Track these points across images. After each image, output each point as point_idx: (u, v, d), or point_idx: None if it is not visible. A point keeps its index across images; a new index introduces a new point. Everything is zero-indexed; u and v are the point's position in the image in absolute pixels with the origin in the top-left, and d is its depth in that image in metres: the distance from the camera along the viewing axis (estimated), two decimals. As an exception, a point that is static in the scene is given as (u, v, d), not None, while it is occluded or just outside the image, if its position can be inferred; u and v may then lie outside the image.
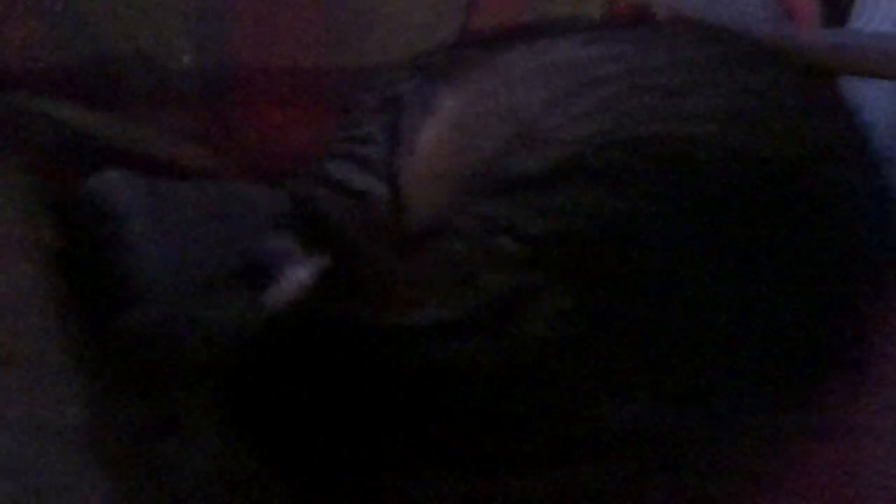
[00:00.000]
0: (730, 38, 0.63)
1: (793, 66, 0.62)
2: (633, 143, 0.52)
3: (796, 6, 0.88)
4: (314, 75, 0.81)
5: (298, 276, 0.47)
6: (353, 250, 0.44)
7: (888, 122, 1.02)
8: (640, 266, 0.43)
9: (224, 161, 0.77)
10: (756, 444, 0.44)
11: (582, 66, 0.60)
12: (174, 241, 0.67)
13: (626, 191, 0.47)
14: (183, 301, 0.59)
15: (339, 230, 0.44)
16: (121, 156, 0.70)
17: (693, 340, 0.42)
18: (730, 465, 0.43)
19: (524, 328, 0.40)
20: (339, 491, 0.40)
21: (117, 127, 0.71)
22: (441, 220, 0.48)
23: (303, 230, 0.61)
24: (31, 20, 0.71)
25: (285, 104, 0.80)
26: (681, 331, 0.42)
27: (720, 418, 0.42)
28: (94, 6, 0.73)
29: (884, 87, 1.01)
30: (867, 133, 0.59)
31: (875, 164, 0.56)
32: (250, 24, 0.78)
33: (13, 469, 0.29)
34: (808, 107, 0.57)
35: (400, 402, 0.40)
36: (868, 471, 0.45)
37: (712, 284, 0.44)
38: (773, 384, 0.44)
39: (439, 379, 0.39)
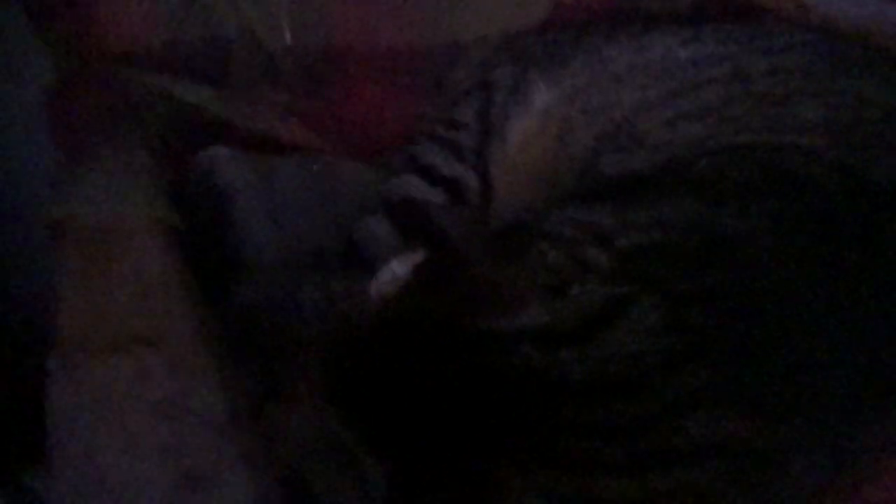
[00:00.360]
0: (835, 40, 0.61)
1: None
2: (732, 152, 0.53)
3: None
4: (410, 54, 0.83)
5: (397, 270, 0.51)
6: (450, 250, 0.46)
7: None
8: (732, 282, 0.44)
9: (324, 138, 0.80)
10: (835, 457, 0.46)
11: (682, 68, 0.60)
12: (280, 218, 0.71)
13: (722, 203, 0.48)
14: (289, 279, 0.63)
15: (438, 228, 0.46)
16: (228, 132, 0.74)
17: (782, 359, 0.43)
18: (807, 477, 0.44)
19: (613, 341, 0.42)
20: (425, 475, 0.43)
21: (226, 103, 0.75)
22: (534, 220, 0.50)
23: (401, 219, 0.65)
24: (147, 1, 0.76)
25: (383, 82, 0.82)
26: (770, 349, 0.43)
27: (803, 435, 0.44)
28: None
29: None
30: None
31: None
32: (350, 5, 0.80)
33: (162, 453, 0.34)
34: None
35: (490, 402, 0.43)
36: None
37: (806, 305, 0.45)
38: (859, 403, 0.46)
39: (530, 384, 0.42)
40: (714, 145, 0.54)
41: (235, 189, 0.68)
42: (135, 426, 0.35)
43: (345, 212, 0.75)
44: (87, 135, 0.66)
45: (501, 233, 0.51)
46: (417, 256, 0.49)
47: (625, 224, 0.47)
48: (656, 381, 0.42)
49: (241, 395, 0.51)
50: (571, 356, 0.42)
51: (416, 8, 0.83)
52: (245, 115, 0.76)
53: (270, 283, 0.62)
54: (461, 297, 0.46)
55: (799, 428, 0.44)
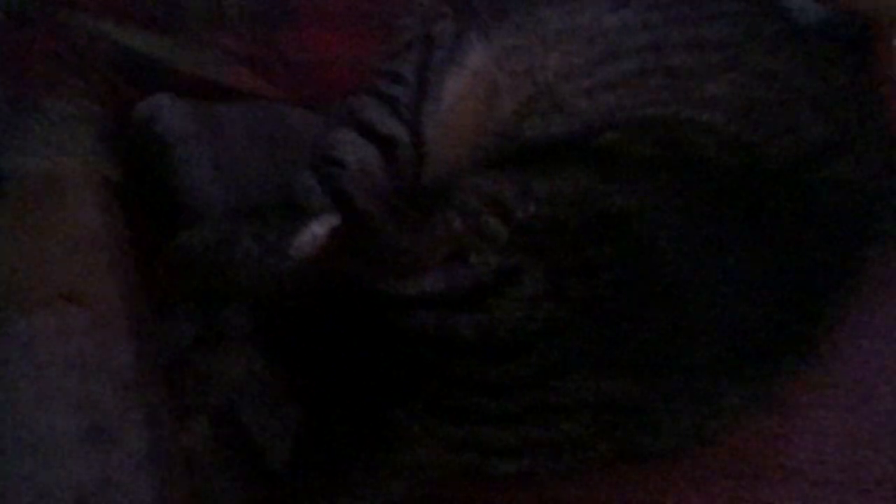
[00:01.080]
0: (765, 10, 0.62)
1: (827, 45, 0.61)
2: (636, 125, 0.55)
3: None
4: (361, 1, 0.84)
5: (317, 230, 0.54)
6: (358, 217, 0.49)
7: None
8: (613, 256, 0.48)
9: (272, 85, 0.82)
10: (703, 411, 0.51)
11: (606, 35, 0.62)
12: (223, 166, 0.73)
13: (615, 178, 0.51)
14: (227, 228, 0.67)
15: (346, 196, 0.49)
16: (175, 79, 0.76)
17: (656, 327, 0.48)
18: (674, 431, 0.49)
19: (501, 308, 0.46)
20: (335, 419, 0.48)
21: (174, 49, 0.76)
22: (447, 185, 0.53)
23: (327, 182, 0.67)
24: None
25: (332, 27, 0.83)
26: (646, 318, 0.48)
27: (673, 394, 0.49)
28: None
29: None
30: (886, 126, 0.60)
31: (888, 163, 0.57)
32: (300, -51, 0.80)
33: (76, 407, 0.38)
34: (829, 96, 0.58)
35: (392, 358, 0.47)
36: (799, 440, 0.52)
37: (682, 277, 0.49)
38: (727, 365, 0.50)
39: (426, 343, 0.47)
40: (622, 117, 0.56)
41: (177, 137, 0.70)
42: (51, 380, 0.39)
43: (290, 160, 0.77)
44: (31, 81, 0.67)
45: (414, 198, 0.54)
46: (335, 219, 0.52)
47: (525, 195, 0.50)
48: (537, 345, 0.46)
49: (170, 345, 0.56)
50: (464, 320, 0.46)
51: (367, -48, 0.83)
52: (192, 61, 0.77)
53: (209, 232, 0.65)
54: (369, 261, 0.49)
55: (669, 388, 0.49)
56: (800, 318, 0.52)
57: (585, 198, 0.50)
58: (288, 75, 0.83)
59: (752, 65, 0.56)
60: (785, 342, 0.52)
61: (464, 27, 0.72)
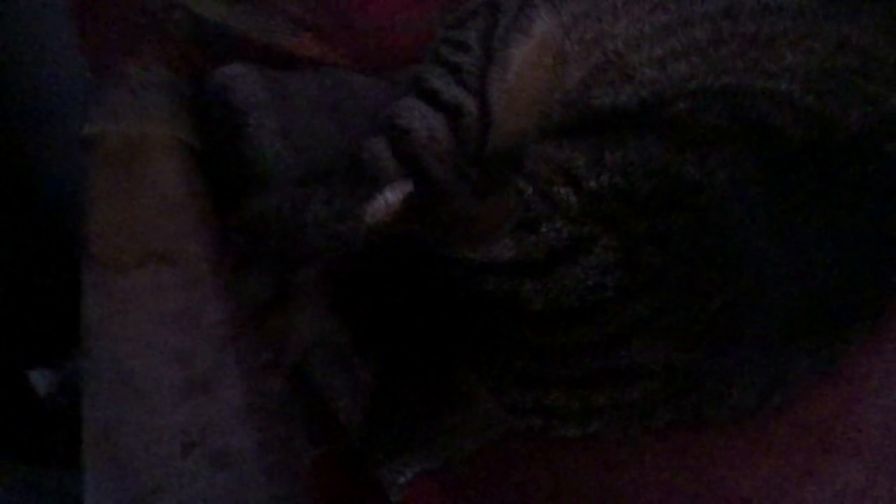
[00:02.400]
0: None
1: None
2: (709, 95, 0.55)
3: None
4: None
5: (390, 197, 0.55)
6: (432, 185, 0.51)
7: None
8: (683, 226, 0.49)
9: (338, 51, 0.83)
10: (771, 384, 0.52)
11: (677, 1, 0.61)
12: (291, 132, 0.75)
13: (686, 148, 0.51)
14: (297, 195, 0.69)
15: (420, 166, 0.51)
16: (244, 46, 0.78)
17: (726, 296, 0.48)
18: (745, 400, 0.50)
19: (572, 275, 0.47)
20: (406, 380, 0.50)
21: (243, 18, 0.78)
22: (519, 153, 0.54)
23: (395, 147, 0.69)
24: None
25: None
26: (715, 287, 0.48)
27: (742, 363, 0.49)
28: None
29: None
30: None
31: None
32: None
33: (175, 359, 0.40)
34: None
35: (462, 322, 0.49)
36: (867, 413, 0.52)
37: (752, 248, 0.49)
38: (796, 335, 0.50)
39: (497, 308, 0.48)
40: (695, 86, 0.56)
41: (248, 105, 0.72)
42: (150, 335, 0.42)
43: (356, 126, 0.79)
44: (111, 47, 0.70)
45: (486, 165, 0.55)
46: (408, 186, 0.53)
47: (597, 164, 0.51)
48: (606, 312, 0.47)
49: (246, 305, 0.58)
50: (533, 287, 0.48)
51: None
52: (260, 29, 0.79)
53: (281, 197, 0.67)
54: (441, 228, 0.51)
55: (737, 357, 0.49)
56: (870, 290, 0.52)
57: (658, 167, 0.50)
58: (353, 42, 0.84)
59: (829, 32, 0.55)
60: (855, 313, 0.52)
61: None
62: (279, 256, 0.66)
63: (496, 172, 0.53)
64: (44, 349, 0.70)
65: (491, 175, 0.53)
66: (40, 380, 0.68)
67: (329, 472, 0.53)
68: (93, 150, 0.60)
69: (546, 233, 0.49)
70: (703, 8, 0.59)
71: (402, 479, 0.52)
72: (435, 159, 0.51)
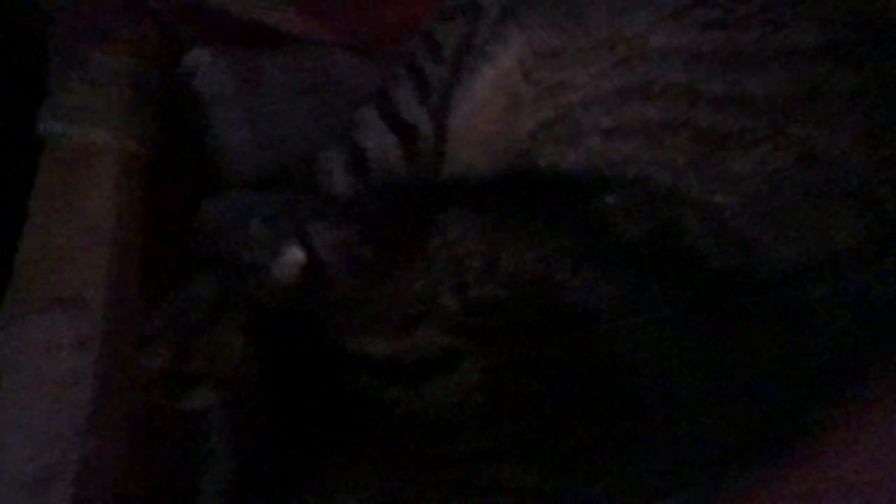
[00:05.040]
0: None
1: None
2: (644, 194, 0.50)
3: None
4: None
5: (299, 256, 0.54)
6: (323, 267, 0.49)
7: None
8: (568, 358, 0.46)
9: (324, 27, 0.79)
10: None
11: (649, 59, 0.54)
12: (261, 123, 0.74)
13: (598, 268, 0.47)
14: (247, 201, 0.69)
15: (309, 247, 0.49)
16: (225, 23, 0.75)
17: (602, 437, 0.46)
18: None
19: (435, 390, 0.46)
20: (270, 466, 0.51)
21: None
22: (416, 242, 0.51)
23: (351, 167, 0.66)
24: None
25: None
26: (590, 425, 0.46)
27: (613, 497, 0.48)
28: None
29: None
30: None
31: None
32: None
33: (28, 447, 0.43)
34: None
35: (334, 414, 0.49)
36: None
37: (647, 387, 0.46)
38: (674, 478, 0.48)
39: (362, 409, 0.48)
40: (633, 175, 0.50)
41: (213, 97, 0.70)
42: (19, 410, 0.45)
43: (337, 110, 0.76)
44: (85, 31, 0.69)
45: (391, 234, 0.53)
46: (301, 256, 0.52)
47: (490, 269, 0.48)
48: (466, 432, 0.47)
49: (181, 315, 0.61)
50: (399, 394, 0.47)
51: None
52: (241, 4, 0.75)
53: (227, 204, 0.67)
54: (329, 306, 0.50)
55: (608, 491, 0.48)
56: (768, 434, 0.49)
57: (552, 288, 0.46)
58: (342, 17, 0.80)
59: (793, 138, 0.47)
60: (745, 456, 0.49)
61: (513, 3, 0.65)
62: (225, 267, 0.67)
63: (396, 247, 0.51)
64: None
65: (387, 253, 0.51)
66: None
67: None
68: (43, 150, 0.62)
69: (420, 338, 0.48)
70: (667, 77, 0.52)
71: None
72: (324, 237, 0.50)
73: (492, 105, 0.61)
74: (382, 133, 0.66)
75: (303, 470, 0.51)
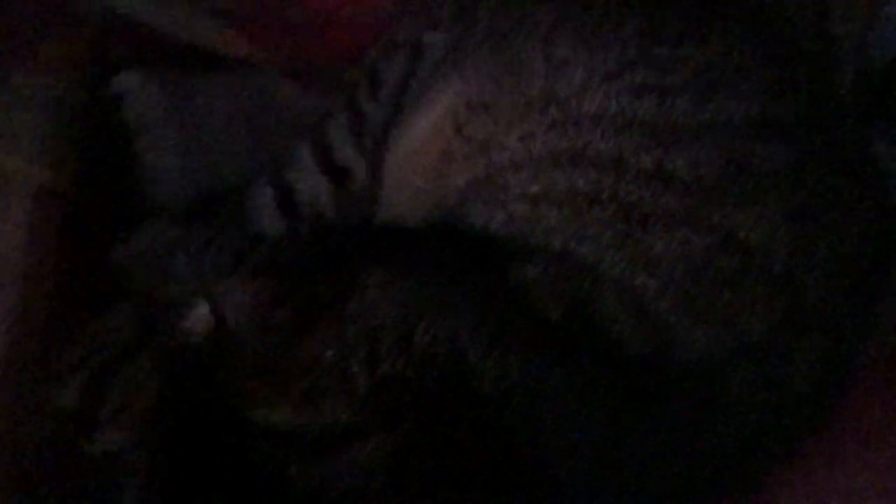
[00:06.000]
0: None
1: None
2: (566, 268, 0.48)
3: None
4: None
5: (205, 315, 0.52)
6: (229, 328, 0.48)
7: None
8: (474, 442, 0.45)
9: (269, 49, 0.76)
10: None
11: (582, 122, 0.52)
12: (193, 151, 0.71)
13: (510, 347, 0.46)
14: (172, 235, 0.66)
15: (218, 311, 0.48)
16: (161, 44, 0.72)
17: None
18: None
19: (337, 468, 0.45)
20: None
21: (160, 11, 0.72)
22: (333, 302, 0.50)
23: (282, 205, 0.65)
24: None
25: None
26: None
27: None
28: None
29: None
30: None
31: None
32: None
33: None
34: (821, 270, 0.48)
35: (233, 479, 0.48)
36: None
37: (556, 473, 0.45)
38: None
39: (265, 476, 0.47)
40: (558, 247, 0.49)
41: (143, 123, 0.68)
42: None
43: (275, 138, 0.74)
44: (8, 50, 0.66)
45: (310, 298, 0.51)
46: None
47: (401, 343, 0.46)
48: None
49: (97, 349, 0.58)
50: (300, 468, 0.46)
51: None
52: (179, 24, 0.72)
53: (151, 238, 0.65)
54: (232, 371, 0.48)
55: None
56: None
57: (463, 370, 0.45)
58: (287, 39, 0.77)
59: (717, 221, 0.46)
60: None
61: (455, 46, 0.63)
62: (144, 303, 0.65)
63: (313, 307, 0.49)
64: None
65: (306, 315, 0.49)
66: None
67: None
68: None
69: (326, 412, 0.46)
70: (597, 146, 0.50)
71: None
72: (235, 298, 0.48)
73: (425, 155, 0.59)
74: (314, 173, 0.64)
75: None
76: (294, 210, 0.65)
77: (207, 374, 0.49)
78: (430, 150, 0.58)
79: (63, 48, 0.67)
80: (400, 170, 0.61)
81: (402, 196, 0.61)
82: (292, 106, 0.76)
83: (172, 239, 0.65)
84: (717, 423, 0.46)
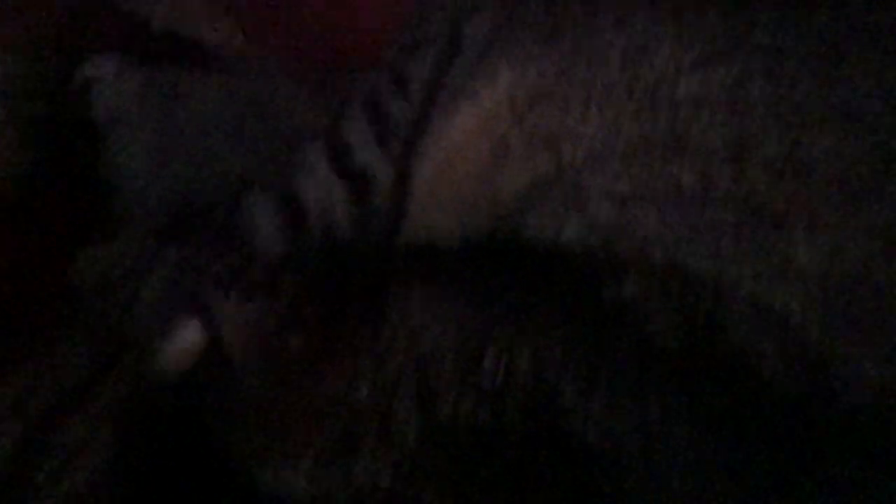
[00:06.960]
0: None
1: None
2: (679, 288, 0.37)
3: None
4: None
5: (194, 337, 0.40)
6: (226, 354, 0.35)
7: None
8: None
9: (267, 46, 0.66)
10: None
11: (679, 108, 0.42)
12: (171, 153, 0.59)
13: (610, 389, 0.34)
14: (144, 251, 0.53)
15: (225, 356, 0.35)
16: (141, 34, 0.61)
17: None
18: None
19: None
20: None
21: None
22: (364, 328, 0.37)
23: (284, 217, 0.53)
24: None
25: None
26: None
27: None
28: None
29: None
30: None
31: None
32: None
33: None
34: None
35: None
36: None
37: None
38: None
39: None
40: (658, 260, 0.38)
41: (113, 116, 0.56)
42: None
43: (265, 144, 0.62)
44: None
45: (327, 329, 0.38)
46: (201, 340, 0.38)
47: (470, 368, 0.34)
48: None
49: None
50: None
51: None
52: (166, 11, 0.61)
53: (117, 254, 0.52)
54: (229, 413, 0.35)
55: None
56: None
57: (554, 407, 0.33)
58: (288, 39, 0.67)
59: (874, 222, 0.36)
60: None
61: (503, 30, 0.53)
62: (104, 335, 0.51)
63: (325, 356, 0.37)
64: None
65: (327, 343, 0.37)
66: None
67: None
68: None
69: (359, 472, 0.33)
70: (705, 133, 0.40)
71: None
72: (243, 337, 0.35)
73: (471, 153, 0.48)
74: (327, 177, 0.52)
75: None
76: (298, 224, 0.53)
77: (193, 416, 0.36)
78: (480, 146, 0.47)
79: (26, 32, 0.56)
80: (436, 175, 0.50)
81: (437, 208, 0.49)
82: (292, 111, 0.65)
83: (145, 257, 0.52)
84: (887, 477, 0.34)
